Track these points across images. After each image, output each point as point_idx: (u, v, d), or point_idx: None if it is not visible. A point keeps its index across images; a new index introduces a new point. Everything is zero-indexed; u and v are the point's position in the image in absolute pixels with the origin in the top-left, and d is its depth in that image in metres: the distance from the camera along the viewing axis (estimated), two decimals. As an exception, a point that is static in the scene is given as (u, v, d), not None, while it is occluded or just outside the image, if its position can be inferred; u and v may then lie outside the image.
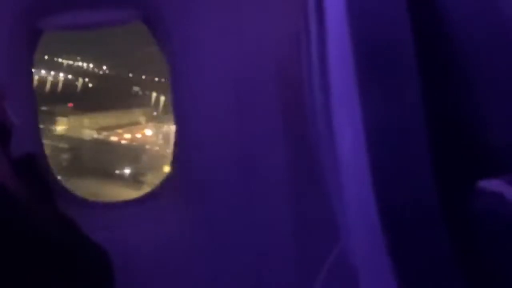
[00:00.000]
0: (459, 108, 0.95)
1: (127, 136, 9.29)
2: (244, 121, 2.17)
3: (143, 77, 9.31)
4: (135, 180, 8.60)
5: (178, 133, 2.24)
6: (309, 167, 1.91)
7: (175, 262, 2.17)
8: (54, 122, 8.97)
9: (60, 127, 9.15)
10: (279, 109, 2.15)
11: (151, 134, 9.40)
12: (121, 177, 8.81)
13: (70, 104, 9.37)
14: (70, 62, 9.58)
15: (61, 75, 9.42)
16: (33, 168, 1.78)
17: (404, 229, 0.97)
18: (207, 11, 2.14)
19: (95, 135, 9.14)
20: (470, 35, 0.93)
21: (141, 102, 9.56)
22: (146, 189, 2.46)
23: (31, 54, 2.25)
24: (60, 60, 9.45)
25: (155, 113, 9.47)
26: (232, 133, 2.17)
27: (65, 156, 8.91)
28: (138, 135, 9.36)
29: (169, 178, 2.36)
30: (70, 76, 9.51)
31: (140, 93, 9.58)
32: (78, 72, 9.52)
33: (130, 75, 9.46)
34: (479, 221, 0.95)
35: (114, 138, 9.29)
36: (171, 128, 2.97)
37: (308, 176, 2.02)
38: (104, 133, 9.19)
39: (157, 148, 9.05)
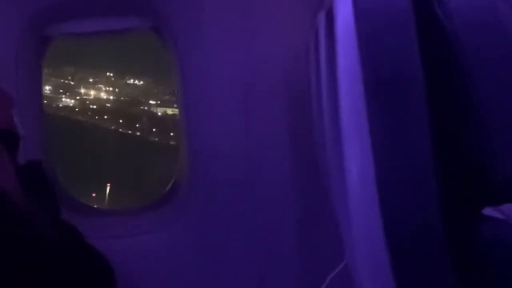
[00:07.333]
0: (467, 138, 0.96)
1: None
2: (251, 131, 2.17)
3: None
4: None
5: (186, 140, 2.24)
6: (315, 181, 1.91)
7: (177, 270, 2.17)
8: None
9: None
10: (286, 119, 2.15)
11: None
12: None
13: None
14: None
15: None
16: (39, 176, 1.79)
17: (409, 254, 0.97)
18: (217, 20, 2.15)
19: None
20: (480, 65, 0.93)
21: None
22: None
23: (39, 62, 2.25)
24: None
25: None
26: (239, 143, 2.17)
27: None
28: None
29: (174, 186, 2.36)
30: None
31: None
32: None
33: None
34: (483, 248, 0.95)
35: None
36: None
37: (315, 192, 2.02)
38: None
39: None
